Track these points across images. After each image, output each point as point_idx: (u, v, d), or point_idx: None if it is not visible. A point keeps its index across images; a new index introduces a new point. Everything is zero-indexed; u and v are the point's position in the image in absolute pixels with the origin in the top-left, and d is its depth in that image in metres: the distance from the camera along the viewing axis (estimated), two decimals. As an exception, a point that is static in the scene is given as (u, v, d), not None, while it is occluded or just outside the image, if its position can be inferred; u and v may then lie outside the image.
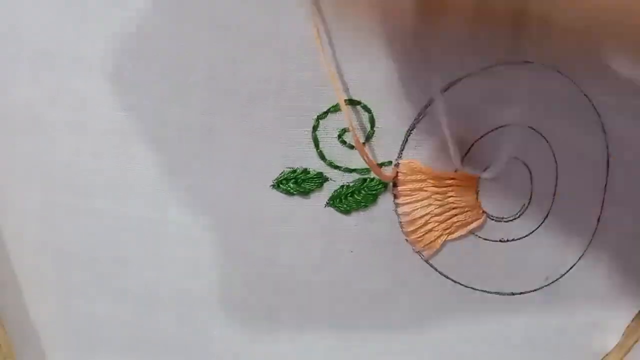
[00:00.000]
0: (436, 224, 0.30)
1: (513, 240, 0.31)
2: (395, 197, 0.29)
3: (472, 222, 0.30)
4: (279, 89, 0.27)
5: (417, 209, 0.29)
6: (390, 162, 0.29)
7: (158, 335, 0.31)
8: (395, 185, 0.29)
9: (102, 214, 0.29)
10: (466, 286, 0.31)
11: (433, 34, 0.27)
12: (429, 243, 0.30)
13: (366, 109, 0.28)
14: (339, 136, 0.28)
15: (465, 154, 0.29)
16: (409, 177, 0.29)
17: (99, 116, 0.27)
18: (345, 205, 0.29)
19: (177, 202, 0.29)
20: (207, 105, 0.27)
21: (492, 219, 0.30)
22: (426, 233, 0.30)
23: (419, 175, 0.29)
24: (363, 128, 0.28)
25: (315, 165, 0.28)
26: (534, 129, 0.29)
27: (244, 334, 0.31)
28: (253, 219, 0.29)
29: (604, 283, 0.32)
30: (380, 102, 0.28)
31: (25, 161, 0.28)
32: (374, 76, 0.27)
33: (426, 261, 0.30)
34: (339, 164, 0.29)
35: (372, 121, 0.28)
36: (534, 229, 0.31)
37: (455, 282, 0.31)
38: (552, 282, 0.32)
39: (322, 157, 0.28)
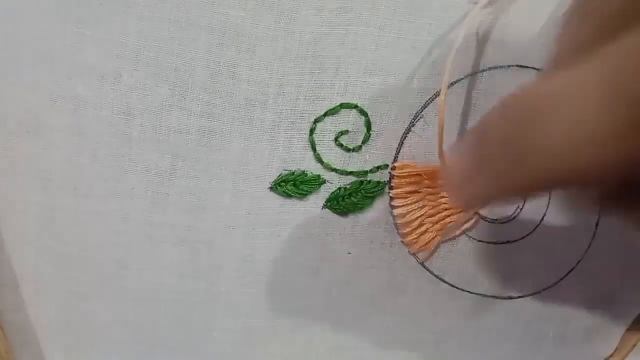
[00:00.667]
0: (430, 224, 0.30)
1: (508, 242, 0.31)
2: (391, 199, 0.29)
3: (464, 223, 0.30)
4: (277, 92, 0.27)
5: (412, 210, 0.29)
6: (386, 165, 0.29)
7: (157, 336, 0.31)
8: (391, 187, 0.29)
9: (102, 216, 0.29)
10: (462, 289, 0.31)
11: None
12: (424, 244, 0.30)
13: (362, 112, 0.28)
14: (336, 139, 0.28)
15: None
16: (404, 180, 0.29)
17: (98, 119, 0.27)
18: (342, 207, 0.29)
19: (176, 204, 0.29)
20: (206, 108, 0.27)
21: (486, 221, 0.30)
22: (421, 234, 0.30)
23: (414, 178, 0.29)
24: (359, 132, 0.28)
25: (313, 168, 0.29)
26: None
27: (243, 336, 0.31)
28: (251, 221, 0.29)
29: (602, 287, 0.32)
30: (376, 105, 0.28)
31: (26, 163, 0.28)
32: (371, 80, 0.28)
33: (422, 264, 0.30)
34: (336, 167, 0.29)
35: (368, 125, 0.28)
36: (529, 232, 0.31)
37: (451, 285, 0.31)
38: (551, 286, 0.32)
39: (319, 160, 0.28)
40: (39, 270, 0.30)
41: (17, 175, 0.28)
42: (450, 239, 0.30)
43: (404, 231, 0.30)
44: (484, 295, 0.31)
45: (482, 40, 0.27)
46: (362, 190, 0.29)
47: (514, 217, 0.30)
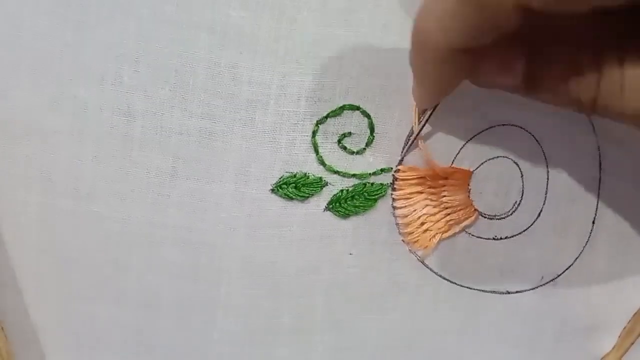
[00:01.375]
0: (431, 223, 0.30)
1: (506, 238, 0.31)
2: (394, 200, 0.29)
3: (464, 220, 0.30)
4: (279, 94, 0.27)
5: (414, 211, 0.30)
6: (390, 168, 0.29)
7: (158, 337, 0.31)
8: (394, 189, 0.29)
9: (103, 217, 0.29)
10: (462, 285, 0.31)
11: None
12: (425, 243, 0.30)
13: (365, 114, 0.28)
14: (339, 141, 0.28)
15: (458, 153, 0.29)
16: (407, 182, 0.29)
17: (98, 121, 0.27)
18: (344, 210, 0.29)
19: (177, 206, 0.29)
20: (207, 110, 0.27)
21: (485, 217, 0.30)
22: (422, 233, 0.30)
23: (417, 180, 0.29)
24: (362, 134, 0.28)
25: (315, 170, 0.29)
26: (524, 129, 0.29)
27: (243, 337, 0.31)
28: (252, 223, 0.29)
29: (601, 284, 0.32)
30: (379, 107, 0.28)
31: (26, 165, 0.28)
32: (374, 82, 0.28)
33: (422, 261, 0.31)
34: (338, 169, 0.29)
35: (371, 127, 0.28)
36: (526, 227, 0.31)
37: (451, 282, 0.31)
38: (549, 282, 0.32)
39: (321, 162, 0.28)
40: (40, 272, 0.30)
41: (17, 177, 0.28)
42: (449, 236, 0.30)
43: (406, 230, 0.30)
44: (483, 291, 0.32)
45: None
46: (364, 193, 0.29)
47: (512, 213, 0.30)
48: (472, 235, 0.31)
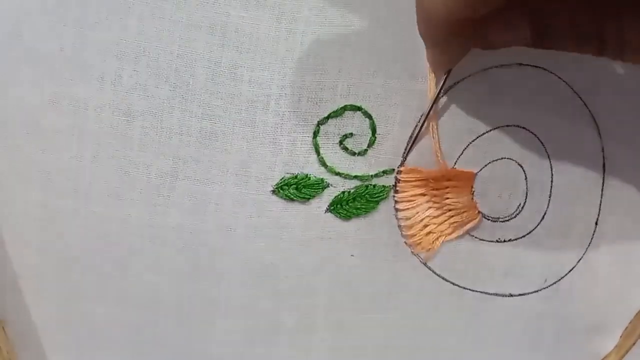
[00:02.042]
0: (435, 225, 0.30)
1: (510, 240, 0.31)
2: (396, 202, 0.29)
3: (468, 223, 0.30)
4: (280, 94, 0.27)
5: (417, 213, 0.29)
6: (392, 170, 0.29)
7: (158, 337, 0.31)
8: (396, 191, 0.29)
9: (102, 218, 0.29)
10: (464, 287, 0.31)
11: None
12: (429, 245, 0.30)
13: (367, 114, 0.28)
14: (341, 142, 0.28)
15: (461, 154, 0.29)
16: (410, 184, 0.29)
17: (99, 120, 0.27)
18: (345, 212, 0.29)
19: (177, 206, 0.29)
20: (207, 110, 0.27)
21: (488, 219, 0.30)
22: (425, 235, 0.30)
23: (419, 182, 0.29)
24: (364, 135, 0.28)
25: (316, 171, 0.28)
26: (528, 130, 0.29)
27: (244, 337, 0.31)
28: (253, 224, 0.29)
29: (603, 285, 0.32)
30: (381, 107, 0.28)
31: (26, 165, 0.28)
32: (375, 82, 0.27)
33: (424, 263, 0.30)
34: (340, 170, 0.29)
35: (373, 128, 0.28)
36: (530, 230, 0.31)
37: (453, 284, 0.31)
38: (552, 285, 0.32)
39: (323, 163, 0.28)
40: (40, 271, 0.30)
41: (17, 177, 0.28)
42: (453, 239, 0.30)
43: (409, 233, 0.30)
44: (485, 293, 0.31)
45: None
46: (366, 195, 0.29)
47: (515, 216, 0.30)
48: (476, 237, 0.30)
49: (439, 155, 0.28)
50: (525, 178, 0.30)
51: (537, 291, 0.32)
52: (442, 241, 0.30)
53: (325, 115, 0.28)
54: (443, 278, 0.31)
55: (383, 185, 0.29)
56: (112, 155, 0.28)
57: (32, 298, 0.31)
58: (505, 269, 0.31)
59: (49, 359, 0.32)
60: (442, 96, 0.28)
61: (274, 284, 0.30)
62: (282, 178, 0.28)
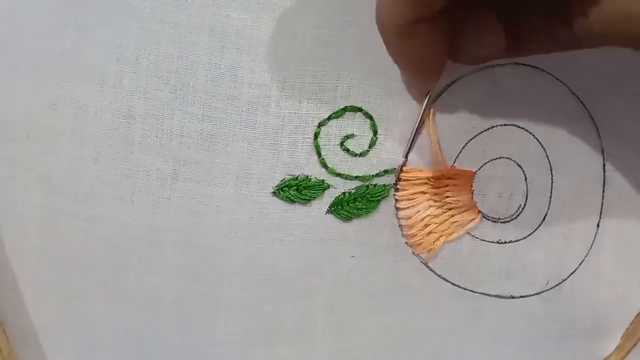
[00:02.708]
0: (435, 225, 0.30)
1: (510, 242, 0.31)
2: (397, 201, 0.29)
3: (469, 222, 0.30)
4: (280, 95, 0.27)
5: (418, 212, 0.29)
6: (394, 170, 0.29)
7: (159, 339, 0.31)
8: (397, 190, 0.29)
9: (103, 220, 0.29)
10: (465, 289, 0.31)
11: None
12: (430, 245, 0.30)
13: (367, 115, 0.28)
14: (342, 143, 0.28)
15: (460, 153, 0.29)
16: (411, 182, 0.29)
17: (99, 122, 0.27)
18: (346, 213, 0.29)
19: (177, 208, 0.29)
20: (208, 112, 0.27)
21: (489, 220, 0.30)
22: (426, 235, 0.30)
23: (420, 180, 0.29)
24: (365, 135, 0.28)
25: (317, 172, 0.28)
26: (526, 130, 0.29)
27: (244, 338, 0.31)
28: (253, 226, 0.29)
29: (605, 286, 0.32)
30: (381, 108, 0.28)
31: (26, 167, 0.28)
32: (375, 82, 0.27)
33: (425, 264, 0.30)
34: (341, 171, 0.29)
35: (374, 128, 0.28)
36: (531, 231, 0.31)
37: (454, 285, 0.31)
38: (554, 287, 0.32)
39: (324, 164, 0.28)
40: (40, 273, 0.30)
41: (18, 179, 0.28)
42: (453, 239, 0.30)
43: (409, 232, 0.30)
44: (487, 295, 0.31)
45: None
46: (367, 195, 0.29)
47: (516, 217, 0.30)
48: (476, 237, 0.30)
49: (438, 154, 0.28)
50: (525, 178, 0.30)
51: (538, 293, 0.32)
52: (443, 241, 0.30)
53: (326, 116, 0.28)
54: (444, 279, 0.31)
55: (384, 185, 0.29)
56: (113, 157, 0.28)
57: (33, 299, 0.31)
58: (507, 271, 0.31)
59: (49, 361, 0.32)
60: (438, 97, 0.28)
61: (274, 285, 0.30)
62: (283, 179, 0.28)
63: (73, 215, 0.29)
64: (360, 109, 0.28)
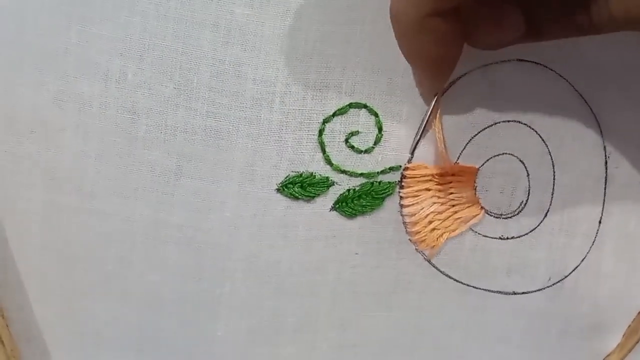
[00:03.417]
0: (439, 222, 0.30)
1: (513, 238, 0.31)
2: (402, 198, 0.29)
3: (472, 218, 0.30)
4: (284, 92, 0.27)
5: (422, 209, 0.29)
6: (399, 167, 0.29)
7: (162, 336, 0.31)
8: (402, 187, 0.29)
9: (106, 216, 0.29)
10: (468, 285, 0.31)
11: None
12: (433, 242, 0.30)
13: (372, 112, 0.28)
14: (346, 140, 0.28)
15: (464, 149, 0.29)
16: (416, 179, 0.29)
17: (103, 118, 0.27)
18: (350, 210, 0.29)
19: (181, 204, 0.29)
20: (212, 108, 0.27)
21: (492, 215, 0.30)
22: (430, 232, 0.30)
23: (425, 177, 0.29)
24: (370, 132, 0.28)
25: (322, 169, 0.28)
26: (528, 126, 0.29)
27: (247, 336, 0.31)
28: (257, 222, 0.29)
29: (606, 283, 0.32)
30: (386, 105, 0.28)
31: (30, 162, 0.28)
32: (380, 79, 0.27)
33: (428, 261, 0.30)
34: (346, 168, 0.29)
35: (379, 125, 0.28)
36: (533, 227, 0.31)
37: (457, 281, 0.31)
38: (556, 283, 0.32)
39: (328, 161, 0.28)
40: (43, 269, 0.30)
41: (21, 175, 0.28)
42: (456, 235, 0.30)
43: (413, 229, 0.30)
44: (489, 291, 0.31)
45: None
46: (372, 192, 0.29)
47: (518, 213, 0.30)
48: (479, 233, 0.30)
49: (443, 151, 0.28)
50: (528, 175, 0.30)
51: (541, 289, 0.32)
52: (447, 238, 0.30)
53: (331, 113, 0.28)
54: (447, 275, 0.31)
55: (389, 182, 0.29)
56: (117, 153, 0.28)
57: (36, 296, 0.30)
58: (509, 267, 0.31)
59: (52, 357, 0.32)
60: (444, 93, 0.28)
61: (277, 283, 0.30)
62: (287, 176, 0.28)
63: (76, 211, 0.29)
64: (365, 106, 0.28)
